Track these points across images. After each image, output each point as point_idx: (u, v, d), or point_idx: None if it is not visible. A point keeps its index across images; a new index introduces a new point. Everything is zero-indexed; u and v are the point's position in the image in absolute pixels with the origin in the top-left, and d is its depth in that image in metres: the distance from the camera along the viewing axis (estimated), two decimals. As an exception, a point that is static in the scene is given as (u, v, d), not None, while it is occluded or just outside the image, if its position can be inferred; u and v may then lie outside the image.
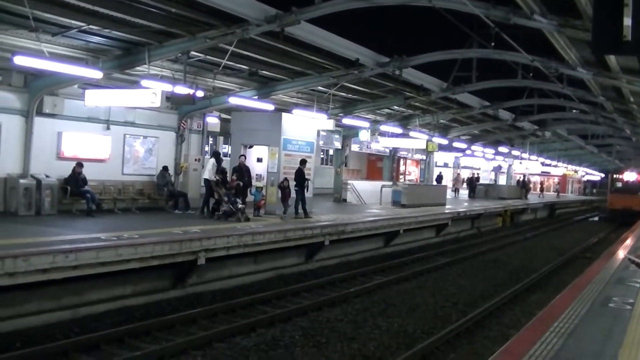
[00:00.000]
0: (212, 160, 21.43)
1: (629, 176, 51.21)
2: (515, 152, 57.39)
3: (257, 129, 22.91)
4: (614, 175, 52.96)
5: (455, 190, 51.11)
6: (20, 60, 15.77)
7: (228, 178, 21.16)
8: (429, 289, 18.57)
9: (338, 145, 35.40)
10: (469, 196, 49.18)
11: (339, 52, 21.00)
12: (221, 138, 35.05)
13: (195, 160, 25.02)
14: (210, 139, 33.59)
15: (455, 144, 46.21)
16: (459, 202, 41.86)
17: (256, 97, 24.40)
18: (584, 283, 12.86)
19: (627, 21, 5.51)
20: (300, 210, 21.93)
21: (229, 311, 14.51)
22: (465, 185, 55.10)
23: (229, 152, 25.50)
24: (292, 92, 26.72)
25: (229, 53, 18.77)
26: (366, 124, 33.40)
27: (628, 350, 7.89)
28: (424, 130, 38.36)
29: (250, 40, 18.26)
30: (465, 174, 60.81)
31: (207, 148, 30.69)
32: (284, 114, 23.58)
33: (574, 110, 39.26)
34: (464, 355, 12.39)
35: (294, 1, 16.63)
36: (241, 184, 21.18)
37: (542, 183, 77.66)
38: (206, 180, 21.25)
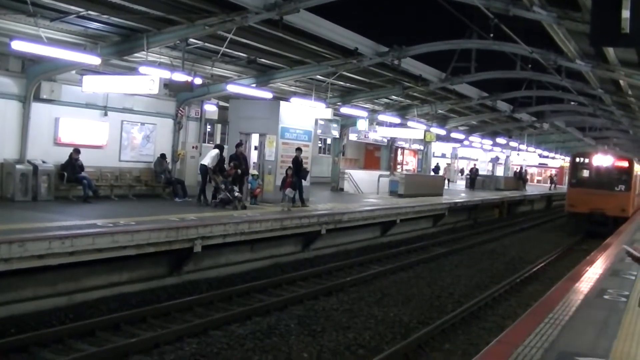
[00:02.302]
0: (217, 150, 21.40)
1: (601, 160, 32.92)
2: (513, 144, 57.42)
3: (255, 117, 22.85)
4: (577, 160, 34.14)
5: (447, 180, 51.22)
6: (18, 46, 15.76)
7: (226, 166, 21.15)
8: (425, 279, 18.61)
9: (336, 134, 35.43)
10: (468, 187, 49.16)
11: (338, 41, 20.95)
12: (219, 126, 35.01)
13: (193, 147, 25.00)
14: (208, 127, 33.56)
15: (453, 135, 46.27)
16: (455, 192, 41.86)
17: (254, 85, 24.37)
18: (579, 275, 12.89)
19: (626, 14, 5.51)
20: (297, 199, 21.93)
21: (225, 299, 14.53)
22: (461, 175, 55.03)
23: (227, 139, 25.41)
24: (290, 81, 26.70)
25: (227, 40, 18.74)
26: (364, 114, 33.37)
27: (622, 342, 7.91)
28: (422, 121, 38.38)
29: (249, 28, 18.20)
30: (462, 165, 60.82)
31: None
32: (282, 103, 23.54)
33: (572, 103, 39.22)
34: (459, 345, 12.42)
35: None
36: (239, 171, 21.15)
37: (551, 175, 75.13)
38: (202, 165, 21.23)
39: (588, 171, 33.18)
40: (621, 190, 31.87)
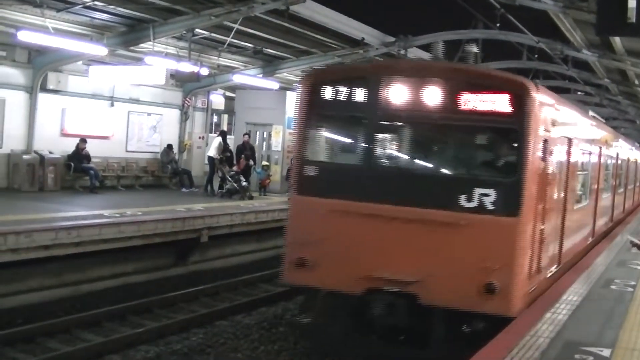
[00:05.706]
0: (219, 139, 21.40)
1: (415, 87, 8.84)
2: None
3: (261, 108, 22.86)
4: (321, 95, 9.12)
5: None
6: (24, 36, 15.76)
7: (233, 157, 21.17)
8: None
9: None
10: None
11: (344, 31, 20.89)
12: (225, 116, 34.98)
13: (199, 138, 24.99)
14: (215, 117, 33.54)
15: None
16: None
17: (261, 76, 24.33)
18: (586, 265, 12.86)
19: (632, 3, 5.50)
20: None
21: (230, 289, 14.56)
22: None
23: (233, 129, 25.43)
24: (296, 71, 26.63)
25: (234, 31, 18.69)
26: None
27: (629, 332, 7.90)
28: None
29: (255, 18, 18.16)
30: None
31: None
32: (288, 93, 23.53)
33: (579, 92, 39.04)
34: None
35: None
36: (250, 162, 21.15)
37: None
38: (210, 157, 21.26)
39: (361, 139, 9.70)
40: (487, 211, 8.43)
